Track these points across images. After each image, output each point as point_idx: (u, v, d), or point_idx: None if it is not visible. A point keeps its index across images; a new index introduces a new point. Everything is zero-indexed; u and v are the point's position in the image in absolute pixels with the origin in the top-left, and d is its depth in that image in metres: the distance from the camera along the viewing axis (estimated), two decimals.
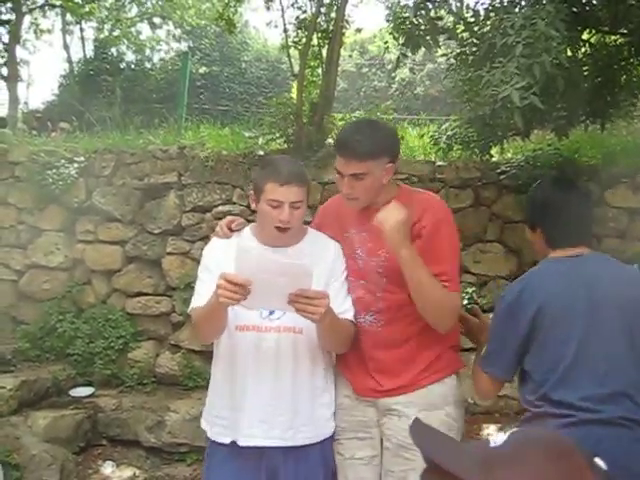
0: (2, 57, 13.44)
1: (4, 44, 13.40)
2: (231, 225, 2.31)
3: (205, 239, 5.19)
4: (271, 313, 2.13)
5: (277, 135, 5.80)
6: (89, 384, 5.19)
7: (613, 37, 4.70)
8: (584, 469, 0.87)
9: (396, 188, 2.28)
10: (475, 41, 4.17)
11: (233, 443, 2.15)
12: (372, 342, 2.19)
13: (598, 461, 0.92)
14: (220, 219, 5.40)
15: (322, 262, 2.18)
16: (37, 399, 4.88)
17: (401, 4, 4.46)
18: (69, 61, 15.84)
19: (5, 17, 12.41)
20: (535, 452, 0.89)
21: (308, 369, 2.17)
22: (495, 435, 0.95)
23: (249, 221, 2.43)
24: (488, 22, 3.94)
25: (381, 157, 2.13)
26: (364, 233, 2.23)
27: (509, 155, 5.50)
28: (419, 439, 1.02)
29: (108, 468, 4.60)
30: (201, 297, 2.08)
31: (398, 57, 4.50)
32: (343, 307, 2.16)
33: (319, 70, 6.46)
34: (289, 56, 7.05)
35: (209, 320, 2.09)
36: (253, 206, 2.22)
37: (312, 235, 2.30)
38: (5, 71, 13.18)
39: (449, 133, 5.45)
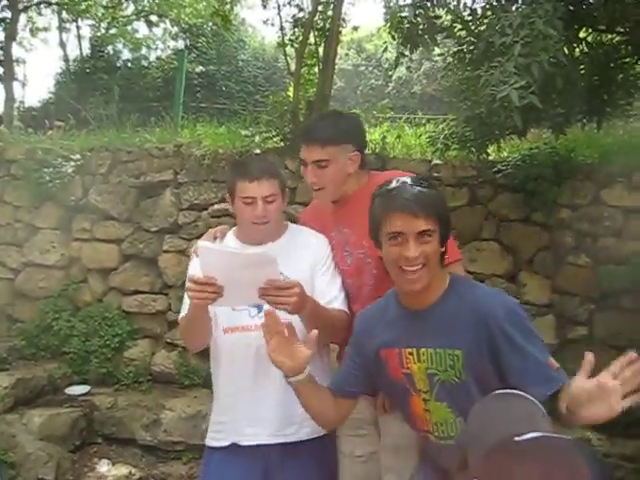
0: None
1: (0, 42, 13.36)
2: (215, 235, 2.33)
3: (201, 237, 5.18)
4: (259, 311, 2.12)
5: (274, 133, 5.79)
6: (85, 382, 5.18)
7: (610, 36, 4.69)
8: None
9: (366, 176, 2.26)
10: (473, 40, 4.17)
11: (232, 444, 2.15)
12: None
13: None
14: (216, 217, 5.45)
15: (304, 253, 2.19)
16: (33, 397, 4.88)
17: (399, 3, 4.45)
18: (65, 59, 15.77)
19: (1, 15, 12.36)
20: (534, 461, 0.89)
21: None
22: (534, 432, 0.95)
23: (230, 225, 2.44)
24: (486, 21, 3.94)
25: (343, 144, 2.14)
26: (345, 229, 2.23)
27: (505, 154, 5.50)
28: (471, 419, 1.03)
29: (104, 466, 4.59)
30: (187, 307, 2.10)
31: (397, 56, 4.50)
32: (330, 296, 2.15)
33: (316, 68, 6.46)
34: (286, 54, 7.03)
35: (191, 325, 2.11)
36: (230, 208, 2.23)
37: (293, 230, 2.31)
38: (0, 69, 13.13)
39: (446, 132, 5.45)
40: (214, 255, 1.92)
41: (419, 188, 1.73)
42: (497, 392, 1.12)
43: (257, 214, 2.10)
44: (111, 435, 4.89)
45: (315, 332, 1.84)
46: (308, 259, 2.18)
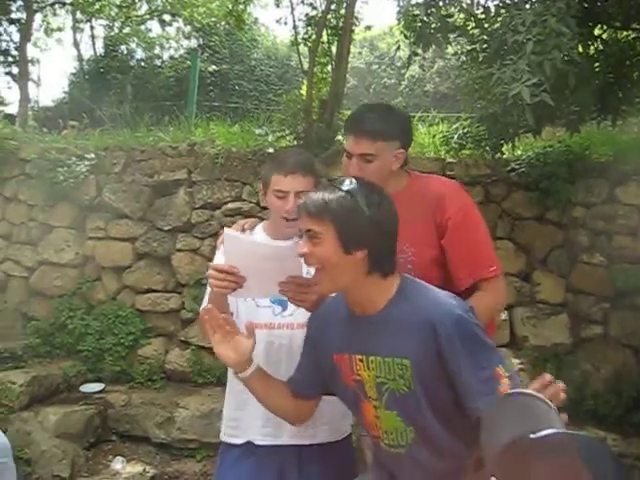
0: (13, 56, 13.50)
1: (15, 43, 13.48)
2: (244, 226, 2.28)
3: (215, 236, 5.20)
4: (284, 310, 2.11)
5: (287, 132, 5.80)
6: (99, 380, 5.21)
7: (625, 33, 4.66)
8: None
9: (406, 176, 2.20)
10: (486, 38, 4.15)
11: (247, 443, 2.14)
12: None
13: None
14: (230, 216, 5.46)
15: None
16: (48, 395, 4.91)
17: (411, 2, 4.44)
18: (79, 59, 15.88)
19: (16, 16, 12.46)
20: (548, 468, 0.89)
21: None
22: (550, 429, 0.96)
23: (260, 219, 2.43)
24: (499, 19, 3.92)
25: (393, 140, 2.06)
26: None
27: (519, 152, 5.47)
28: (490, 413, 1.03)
29: (118, 464, 4.61)
30: (207, 297, 2.09)
31: (409, 55, 4.49)
32: None
33: (329, 67, 6.45)
34: (299, 53, 7.03)
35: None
36: (263, 202, 2.21)
37: None
38: (16, 70, 13.24)
39: (460, 132, 5.43)
40: (239, 243, 1.90)
41: (325, 193, 1.66)
42: (510, 391, 1.11)
43: (288, 208, 2.05)
44: (125, 433, 4.92)
45: (252, 323, 1.82)
46: None
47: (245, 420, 2.16)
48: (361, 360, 1.71)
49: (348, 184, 1.69)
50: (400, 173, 2.16)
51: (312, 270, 1.79)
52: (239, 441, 2.16)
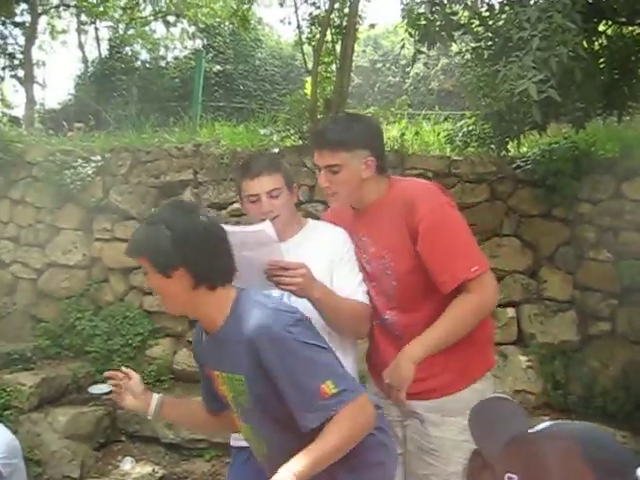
0: (18, 59, 13.57)
1: (19, 46, 13.54)
2: None
3: None
4: None
5: (292, 132, 5.80)
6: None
7: (630, 28, 4.64)
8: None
9: (386, 183, 2.17)
10: (490, 35, 4.15)
11: None
12: (398, 347, 2.05)
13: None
14: (236, 216, 5.46)
15: (322, 249, 2.14)
16: (57, 396, 4.94)
17: (416, 0, 4.43)
18: (84, 61, 15.93)
19: (20, 19, 12.53)
20: (553, 449, 0.89)
21: None
22: (543, 421, 0.96)
23: None
24: (503, 16, 3.92)
25: (357, 149, 2.06)
26: (364, 238, 2.16)
27: (525, 149, 5.46)
28: (475, 412, 1.04)
29: (127, 464, 4.63)
30: None
31: (414, 53, 4.48)
32: (349, 289, 2.09)
33: (333, 66, 6.45)
34: (303, 52, 7.04)
35: None
36: (243, 210, 2.22)
37: (311, 226, 2.26)
38: (21, 72, 13.30)
39: (464, 130, 5.43)
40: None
41: (136, 233, 1.76)
42: (482, 400, 1.12)
43: (262, 210, 2.08)
44: (135, 433, 4.93)
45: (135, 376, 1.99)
46: (326, 255, 2.12)
47: None
48: (217, 375, 1.79)
49: (152, 215, 1.84)
50: (379, 180, 2.15)
51: (291, 252, 1.92)
52: (243, 443, 2.16)
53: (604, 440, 0.92)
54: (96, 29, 15.97)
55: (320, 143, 2.09)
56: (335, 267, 2.12)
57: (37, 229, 5.89)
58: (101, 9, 13.28)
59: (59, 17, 15.19)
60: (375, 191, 2.14)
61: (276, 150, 5.53)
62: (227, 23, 13.61)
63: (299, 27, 6.82)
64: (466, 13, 4.37)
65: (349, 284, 2.10)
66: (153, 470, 4.60)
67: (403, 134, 5.73)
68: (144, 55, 16.37)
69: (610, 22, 4.57)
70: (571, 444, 0.88)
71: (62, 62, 28.41)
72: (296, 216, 2.24)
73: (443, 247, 2.01)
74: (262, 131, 6.18)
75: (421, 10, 4.17)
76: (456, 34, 4.42)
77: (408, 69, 13.49)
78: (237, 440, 2.20)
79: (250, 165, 2.15)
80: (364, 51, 16.23)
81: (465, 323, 2.01)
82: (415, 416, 2.13)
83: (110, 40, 15.73)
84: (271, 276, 1.88)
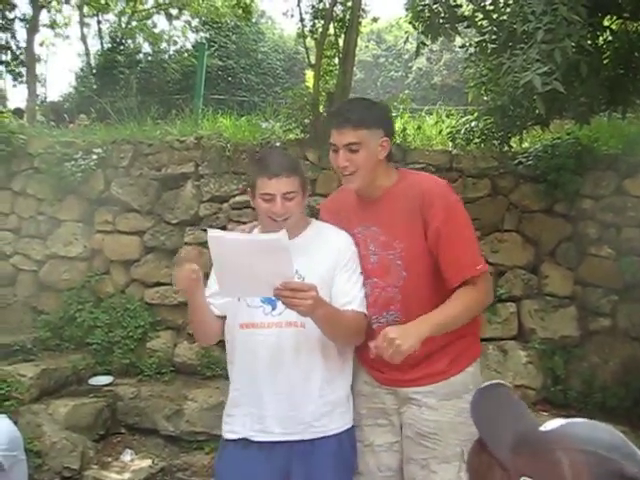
0: (20, 52, 13.53)
1: (18, 41, 13.51)
2: (244, 231, 2.30)
3: (222, 229, 5.20)
4: (273, 309, 2.11)
5: (294, 125, 5.79)
6: (108, 373, 5.24)
7: (635, 24, 4.62)
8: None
9: (396, 173, 2.22)
10: (495, 29, 4.13)
11: (244, 439, 2.15)
12: None
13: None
14: (237, 209, 5.46)
15: (326, 251, 2.15)
16: (57, 387, 4.94)
17: None
18: (86, 54, 15.92)
19: (21, 14, 12.52)
20: (564, 451, 0.88)
21: (316, 362, 2.12)
22: (552, 420, 0.94)
23: None
24: (507, 9, 3.90)
25: (375, 128, 2.10)
26: (374, 227, 2.17)
27: (527, 144, 5.45)
28: (476, 404, 1.02)
29: (127, 456, 4.64)
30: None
31: (418, 46, 4.47)
32: (349, 296, 2.11)
33: (336, 60, 6.43)
34: (305, 46, 7.03)
35: (191, 316, 2.25)
36: (252, 203, 2.21)
37: (316, 227, 2.26)
38: (23, 66, 13.27)
39: (467, 126, 5.41)
40: (224, 243, 1.88)
41: None
42: (481, 388, 1.08)
43: (275, 211, 2.08)
44: (134, 425, 4.94)
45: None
46: (329, 258, 2.14)
47: (239, 417, 2.18)
48: None
49: None
50: (389, 170, 2.19)
51: (302, 267, 1.93)
52: (235, 437, 2.17)
53: (622, 450, 0.90)
54: (98, 22, 15.96)
55: (341, 122, 2.10)
56: (338, 271, 2.14)
57: (38, 221, 5.88)
58: (103, 2, 13.27)
59: (61, 10, 15.18)
60: (386, 177, 2.17)
61: (277, 144, 5.52)
62: (230, 16, 13.58)
63: (302, 20, 6.80)
64: (470, 6, 4.35)
65: (350, 289, 2.13)
66: (153, 462, 4.60)
67: (405, 129, 5.72)
68: (146, 48, 16.37)
69: (614, 17, 4.55)
70: (585, 458, 0.86)
71: (64, 56, 28.41)
72: (303, 216, 2.24)
73: (453, 245, 2.06)
74: (264, 124, 6.16)
75: (425, 2, 4.16)
76: (460, 27, 4.41)
77: (411, 64, 13.47)
78: (227, 432, 2.21)
79: (269, 163, 2.12)
80: (367, 45, 16.24)
81: (467, 313, 2.06)
82: (411, 402, 2.16)
83: (112, 33, 15.72)
84: (279, 294, 1.86)
